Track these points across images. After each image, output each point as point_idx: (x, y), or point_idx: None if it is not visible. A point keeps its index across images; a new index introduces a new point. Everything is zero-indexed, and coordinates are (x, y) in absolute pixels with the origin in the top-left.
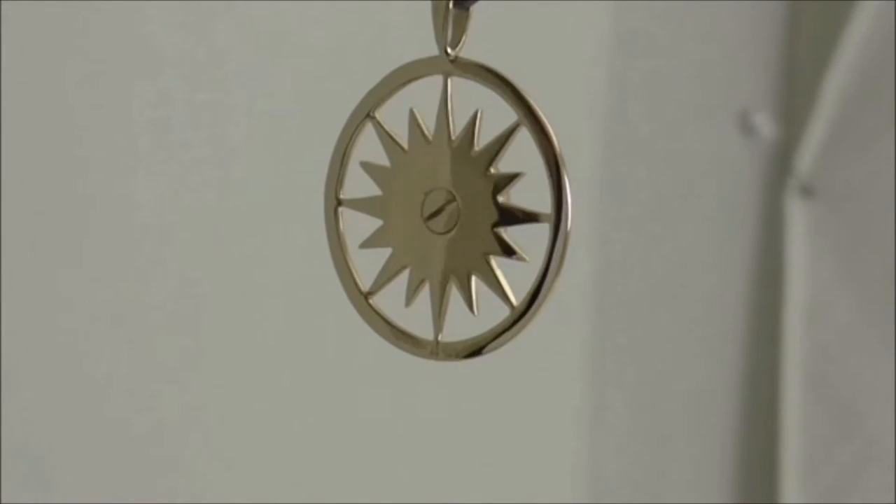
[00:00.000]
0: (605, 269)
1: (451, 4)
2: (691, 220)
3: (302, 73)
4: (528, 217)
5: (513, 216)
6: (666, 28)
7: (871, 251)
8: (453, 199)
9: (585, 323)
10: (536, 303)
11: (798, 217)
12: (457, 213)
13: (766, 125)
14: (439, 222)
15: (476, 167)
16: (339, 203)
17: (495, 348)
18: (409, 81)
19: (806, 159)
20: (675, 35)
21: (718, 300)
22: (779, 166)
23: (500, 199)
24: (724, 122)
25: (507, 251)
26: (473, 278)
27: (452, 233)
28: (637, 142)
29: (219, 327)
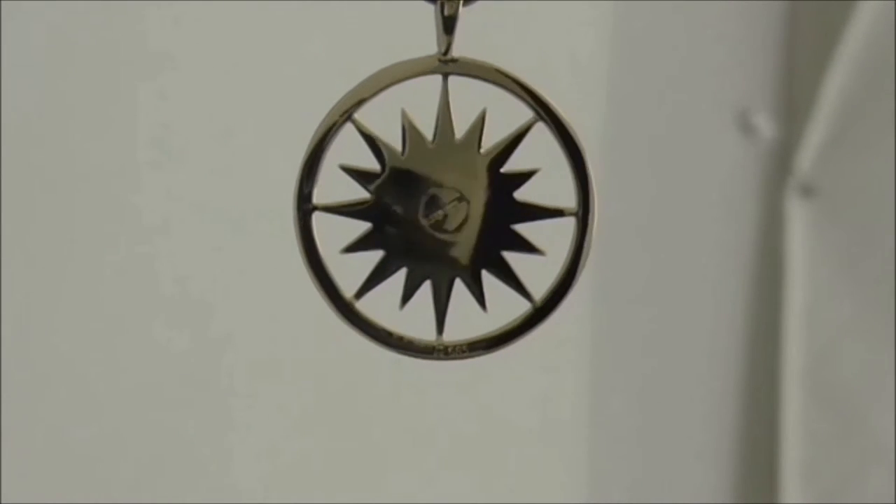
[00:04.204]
0: (605, 269)
1: (461, 3)
2: (691, 219)
3: (301, 75)
4: (553, 212)
5: (537, 212)
6: (666, 28)
7: (871, 251)
8: (461, 199)
9: (584, 322)
10: (563, 297)
11: (798, 217)
12: (465, 212)
13: (766, 125)
14: (446, 222)
15: (488, 166)
16: (314, 208)
17: (509, 344)
18: (398, 82)
19: (806, 159)
20: (675, 35)
21: (718, 300)
22: (779, 166)
23: (519, 195)
24: (724, 122)
25: (528, 247)
26: (485, 276)
27: (461, 232)
28: (637, 142)
29: (218, 330)
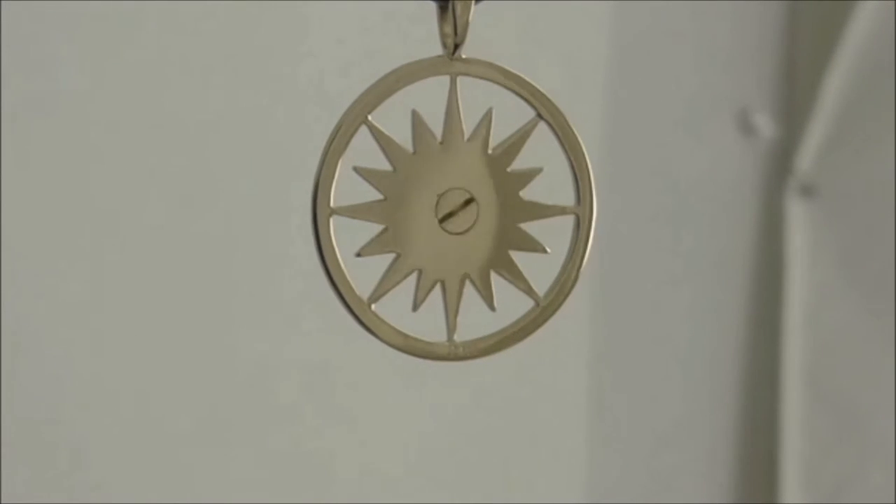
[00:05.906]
0: (605, 269)
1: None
2: (691, 219)
3: (313, 78)
4: (556, 211)
5: (541, 211)
6: (666, 28)
7: (871, 251)
8: (472, 199)
9: (585, 322)
10: (566, 294)
11: (798, 217)
12: (476, 211)
13: (766, 125)
14: (457, 222)
15: (496, 165)
16: (331, 211)
17: (518, 342)
18: (409, 83)
19: (806, 159)
20: (675, 35)
21: (718, 300)
22: (779, 166)
23: (524, 194)
24: (724, 122)
25: (532, 245)
26: (493, 275)
27: (471, 232)
28: (637, 141)
29: (219, 332)
